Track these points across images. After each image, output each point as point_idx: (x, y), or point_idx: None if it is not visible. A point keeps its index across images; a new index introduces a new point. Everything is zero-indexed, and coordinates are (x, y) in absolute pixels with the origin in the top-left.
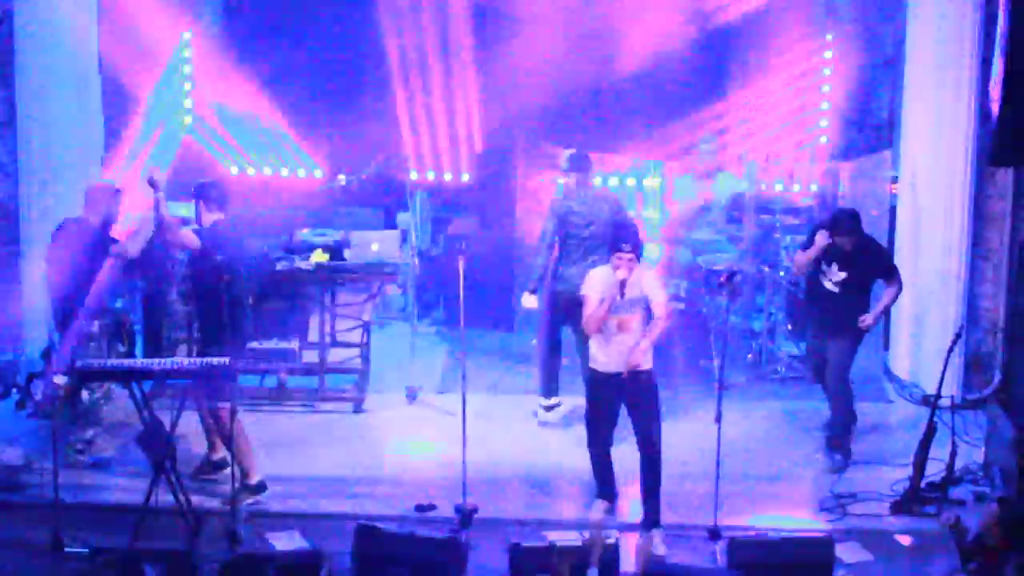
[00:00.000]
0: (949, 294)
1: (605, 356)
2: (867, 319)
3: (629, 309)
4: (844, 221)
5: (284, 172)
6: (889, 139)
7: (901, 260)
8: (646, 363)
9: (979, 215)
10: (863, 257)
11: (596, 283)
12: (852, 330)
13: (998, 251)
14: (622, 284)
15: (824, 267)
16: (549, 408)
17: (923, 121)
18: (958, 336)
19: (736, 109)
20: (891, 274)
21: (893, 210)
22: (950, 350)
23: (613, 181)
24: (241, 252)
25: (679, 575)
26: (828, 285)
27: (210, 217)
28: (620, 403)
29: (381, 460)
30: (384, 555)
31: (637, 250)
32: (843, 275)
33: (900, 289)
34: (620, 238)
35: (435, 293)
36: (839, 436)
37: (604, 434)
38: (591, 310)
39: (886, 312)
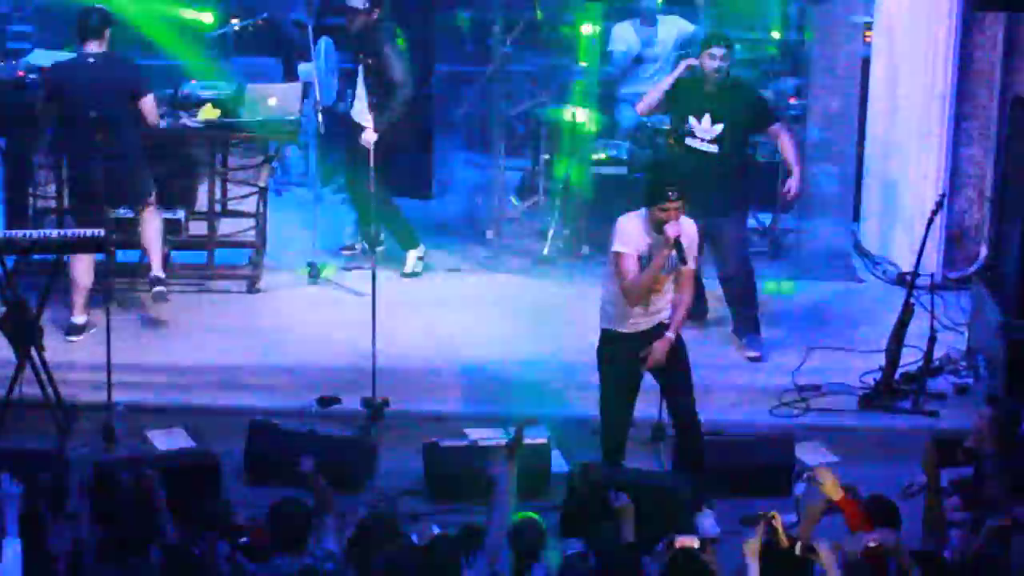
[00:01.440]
0: (929, 158)
1: (630, 317)
2: (792, 186)
3: (677, 266)
4: (717, 39)
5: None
6: None
7: (874, 119)
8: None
9: (964, 69)
10: (737, 101)
11: (631, 238)
12: (741, 198)
13: (986, 109)
14: (677, 241)
15: (692, 122)
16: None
17: None
18: (939, 206)
19: None
20: (772, 117)
21: (867, 62)
22: (930, 222)
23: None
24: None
25: (623, 480)
26: (699, 144)
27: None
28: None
29: (279, 347)
30: (282, 455)
31: (684, 188)
32: (719, 128)
33: (791, 136)
34: (661, 176)
35: (341, 155)
36: (752, 314)
37: (629, 413)
38: (629, 275)
39: (743, 200)
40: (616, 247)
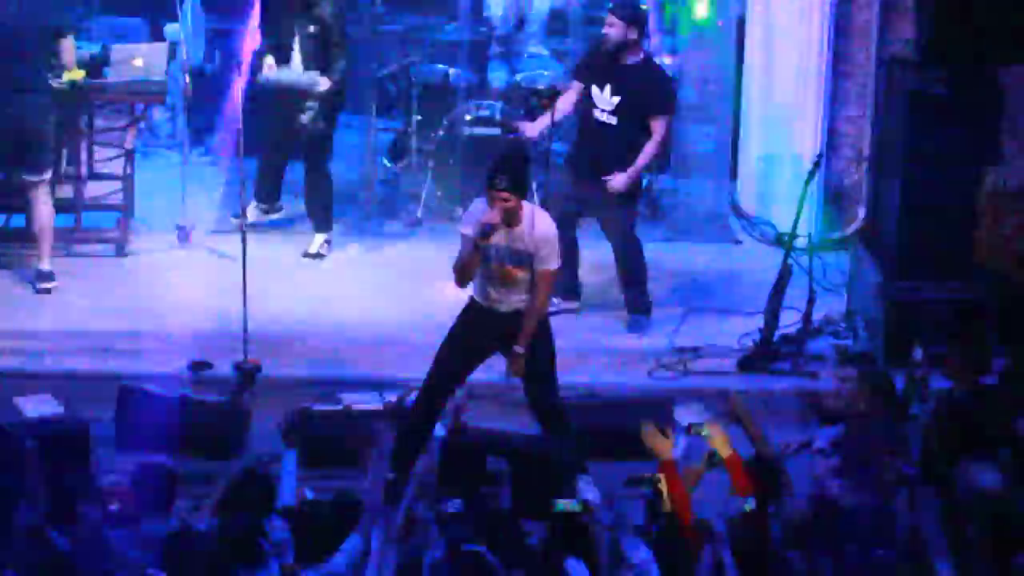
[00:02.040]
0: (806, 117)
1: (483, 293)
2: (617, 180)
3: (512, 261)
4: (620, 6)
5: None
6: None
7: (751, 78)
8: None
9: (841, 28)
10: (641, 78)
11: (471, 220)
12: (633, 179)
13: (863, 68)
14: (487, 227)
15: (595, 91)
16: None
17: None
18: (816, 165)
19: None
20: (662, 109)
21: (742, 21)
22: (807, 182)
23: None
24: None
25: (493, 443)
26: (600, 115)
27: None
28: (488, 350)
29: (148, 311)
30: (152, 421)
31: (519, 183)
32: (617, 99)
33: (663, 138)
34: (495, 165)
35: (210, 117)
36: (640, 295)
37: (442, 389)
38: (464, 256)
39: (642, 169)
40: (461, 227)
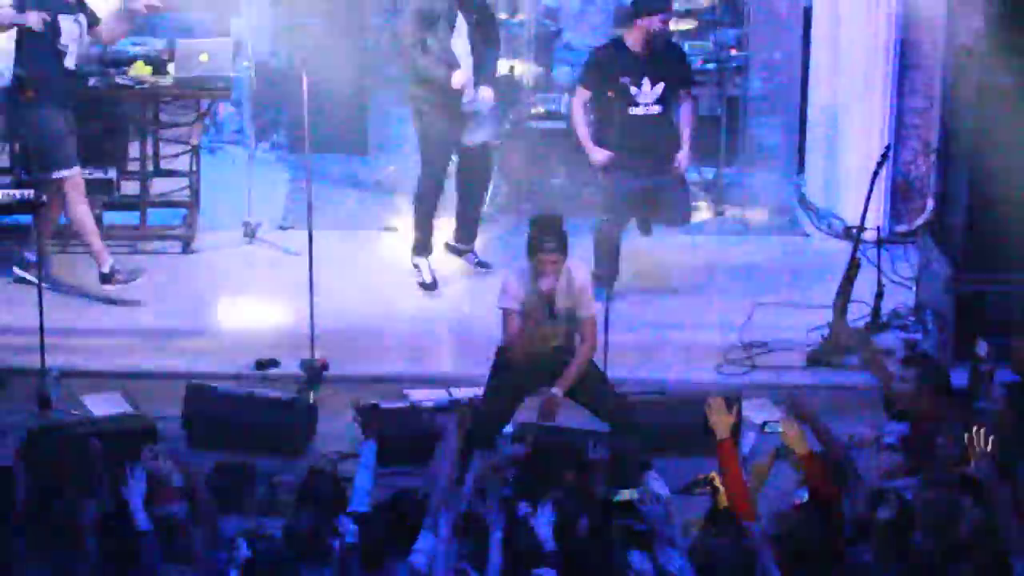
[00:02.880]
0: (874, 109)
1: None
2: (683, 160)
3: (552, 321)
4: (660, 5)
5: None
6: None
7: (817, 69)
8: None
9: (909, 17)
10: (673, 59)
11: (514, 293)
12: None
13: (930, 59)
14: (549, 297)
15: (632, 88)
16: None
17: None
18: (884, 157)
19: None
20: (693, 80)
21: (808, 11)
22: (875, 174)
23: None
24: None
25: (565, 440)
26: (643, 110)
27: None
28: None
29: (214, 308)
30: (220, 419)
31: (563, 243)
32: (660, 87)
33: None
34: (540, 231)
35: (275, 112)
36: None
37: (498, 418)
38: (513, 331)
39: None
40: (499, 302)
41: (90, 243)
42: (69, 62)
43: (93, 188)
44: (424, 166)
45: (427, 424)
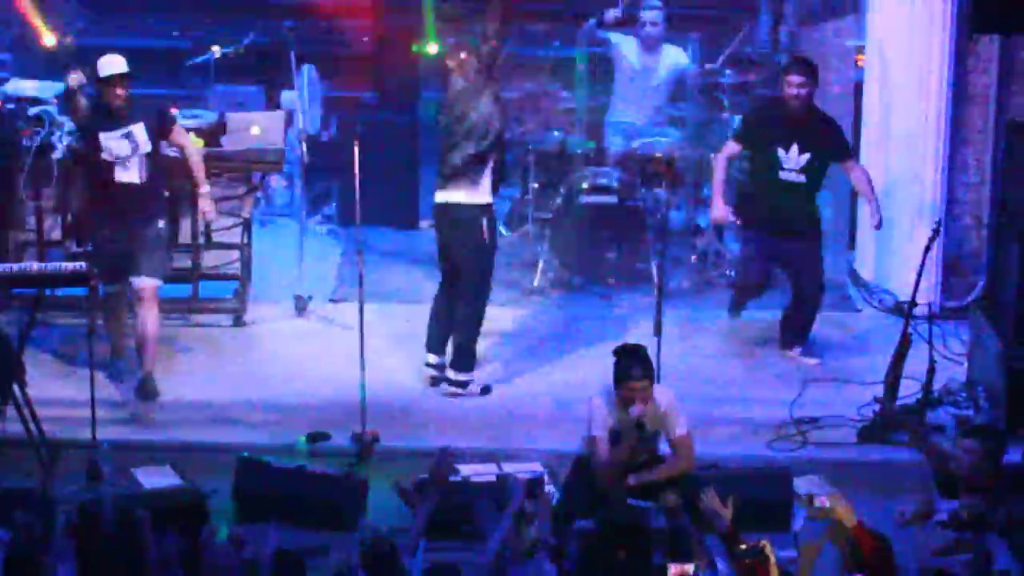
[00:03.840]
0: (924, 183)
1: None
2: (877, 219)
3: (642, 445)
4: (798, 63)
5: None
6: (854, 2)
7: (868, 144)
8: None
9: (959, 93)
10: (825, 131)
11: (602, 420)
12: (819, 224)
13: (981, 135)
14: (639, 424)
15: (781, 153)
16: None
17: None
18: (935, 233)
19: None
20: (850, 150)
21: (859, 87)
22: (927, 249)
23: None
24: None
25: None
26: (788, 176)
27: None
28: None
29: (266, 381)
30: (271, 492)
31: (650, 370)
32: (807, 157)
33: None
34: (627, 360)
35: (326, 185)
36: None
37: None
38: (603, 458)
39: (819, 227)
40: (589, 430)
41: (147, 349)
42: (126, 176)
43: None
44: (486, 279)
45: (476, 498)
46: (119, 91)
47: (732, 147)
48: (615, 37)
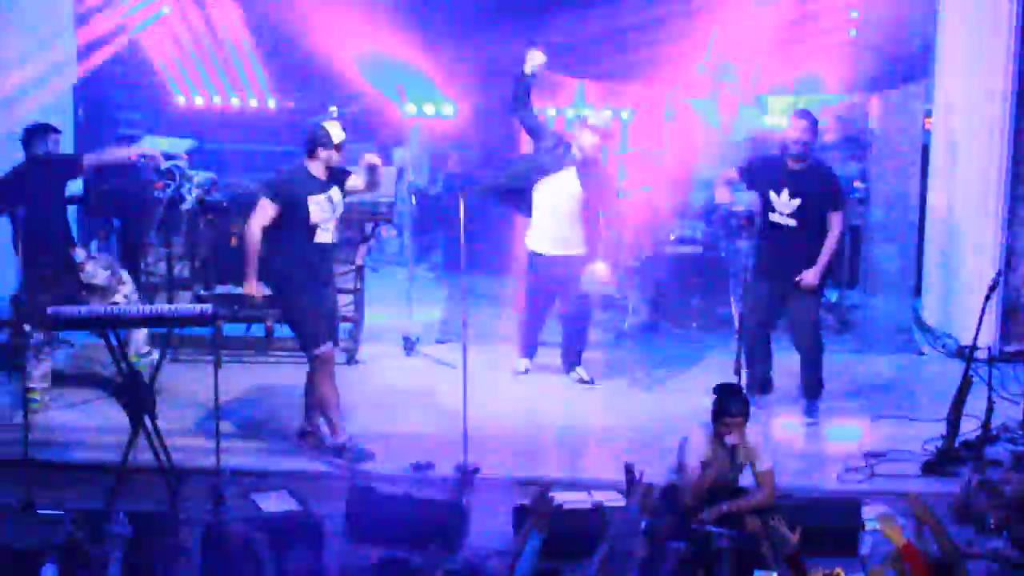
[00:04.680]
0: (985, 237)
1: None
2: (808, 276)
3: (736, 474)
4: (800, 112)
5: (254, 103)
6: (923, 70)
7: (935, 200)
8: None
9: (1018, 151)
10: (815, 179)
11: (696, 449)
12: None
13: None
14: (733, 451)
15: (772, 196)
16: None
17: (959, 50)
18: (996, 282)
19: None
20: (837, 205)
21: (926, 148)
22: (987, 297)
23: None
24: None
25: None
26: (779, 219)
27: None
28: None
29: (376, 415)
30: (380, 517)
31: (747, 408)
32: (797, 202)
33: (842, 231)
34: (727, 397)
35: (433, 235)
36: (818, 389)
37: None
38: (696, 483)
39: (830, 262)
40: (682, 456)
41: (330, 417)
42: (323, 237)
43: (265, 303)
44: None
45: (571, 524)
46: (338, 157)
47: (730, 172)
48: (696, 103)
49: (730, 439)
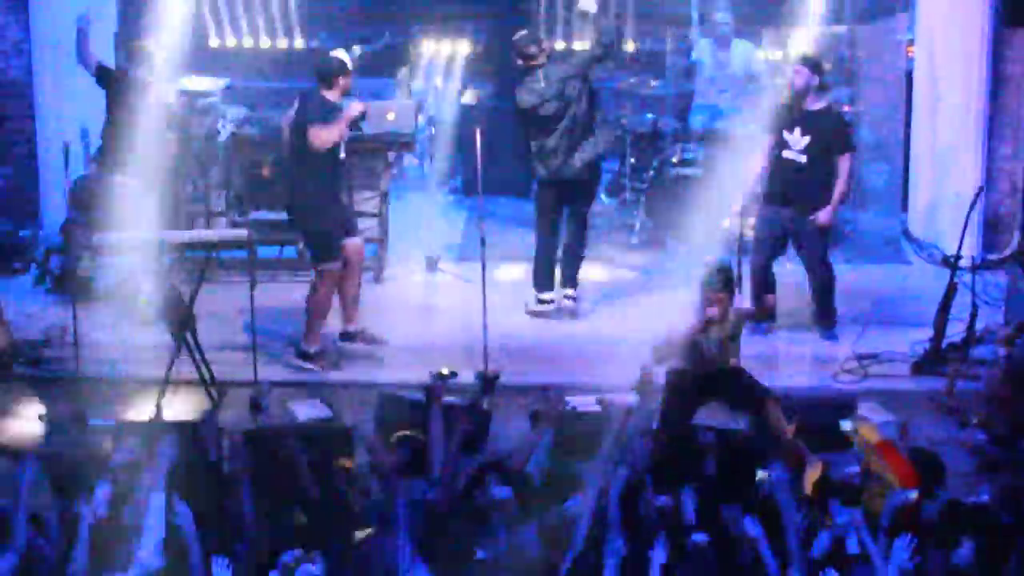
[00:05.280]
0: (968, 155)
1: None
2: (822, 216)
3: (719, 349)
4: (804, 56)
5: (283, 43)
6: (904, 1)
7: (918, 123)
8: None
9: (996, 78)
10: (827, 120)
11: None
12: (825, 204)
13: (1016, 113)
14: (710, 320)
15: (786, 134)
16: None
17: None
18: (977, 196)
19: None
20: (846, 147)
21: (910, 74)
22: (970, 211)
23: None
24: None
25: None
26: (791, 154)
27: None
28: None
29: (403, 328)
30: (408, 423)
31: (729, 287)
32: (807, 139)
33: (851, 172)
34: (711, 275)
35: (452, 162)
36: (830, 314)
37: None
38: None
39: (839, 203)
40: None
41: (312, 325)
42: (341, 156)
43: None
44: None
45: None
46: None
47: (768, 138)
48: (696, 47)
49: (711, 311)
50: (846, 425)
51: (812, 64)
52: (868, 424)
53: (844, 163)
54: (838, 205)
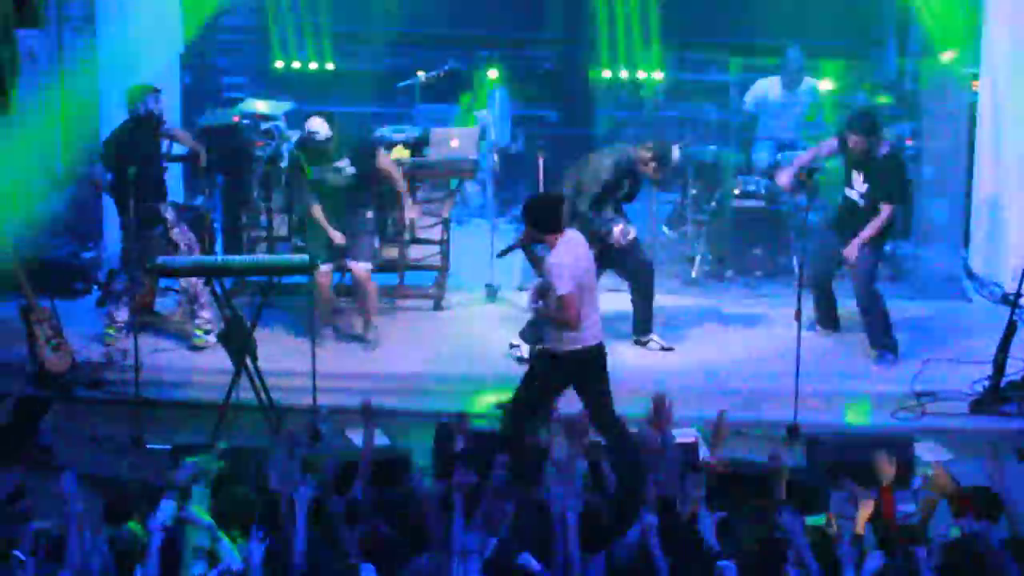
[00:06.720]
0: None
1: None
2: (848, 251)
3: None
4: (857, 121)
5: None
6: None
7: (981, 156)
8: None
9: None
10: (885, 171)
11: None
12: (875, 244)
13: None
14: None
15: (853, 174)
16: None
17: (1005, 13)
18: None
19: None
20: (892, 198)
21: (973, 107)
22: None
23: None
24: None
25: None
26: (852, 195)
27: None
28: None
29: (461, 357)
30: (465, 453)
31: (530, 217)
32: (867, 186)
33: (888, 219)
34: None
35: (514, 190)
36: (883, 338)
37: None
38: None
39: (875, 242)
40: None
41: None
42: None
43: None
44: None
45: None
46: None
47: (831, 144)
48: (761, 84)
49: (537, 246)
50: (921, 469)
51: (865, 128)
52: (943, 471)
53: (886, 209)
54: (863, 242)
